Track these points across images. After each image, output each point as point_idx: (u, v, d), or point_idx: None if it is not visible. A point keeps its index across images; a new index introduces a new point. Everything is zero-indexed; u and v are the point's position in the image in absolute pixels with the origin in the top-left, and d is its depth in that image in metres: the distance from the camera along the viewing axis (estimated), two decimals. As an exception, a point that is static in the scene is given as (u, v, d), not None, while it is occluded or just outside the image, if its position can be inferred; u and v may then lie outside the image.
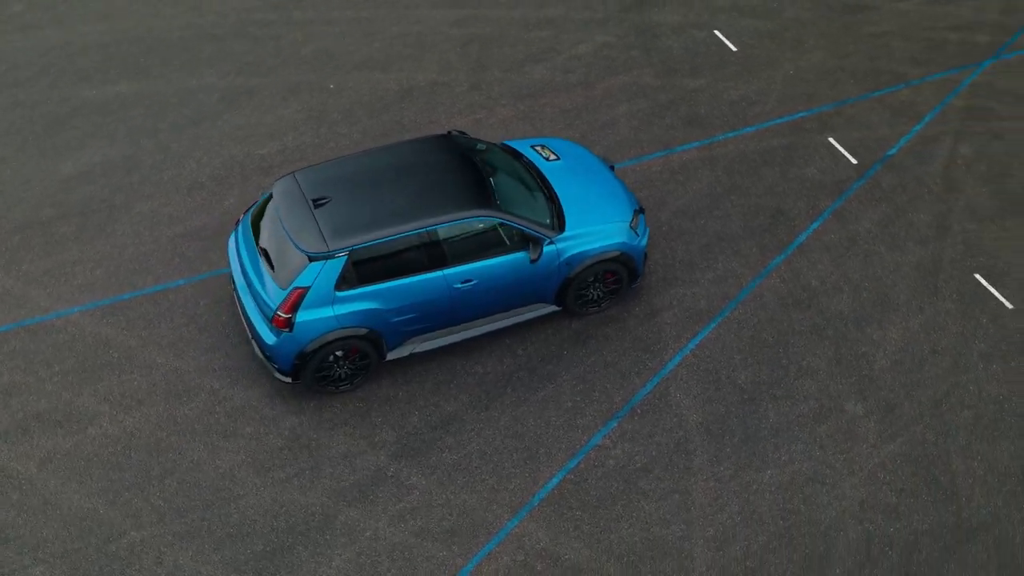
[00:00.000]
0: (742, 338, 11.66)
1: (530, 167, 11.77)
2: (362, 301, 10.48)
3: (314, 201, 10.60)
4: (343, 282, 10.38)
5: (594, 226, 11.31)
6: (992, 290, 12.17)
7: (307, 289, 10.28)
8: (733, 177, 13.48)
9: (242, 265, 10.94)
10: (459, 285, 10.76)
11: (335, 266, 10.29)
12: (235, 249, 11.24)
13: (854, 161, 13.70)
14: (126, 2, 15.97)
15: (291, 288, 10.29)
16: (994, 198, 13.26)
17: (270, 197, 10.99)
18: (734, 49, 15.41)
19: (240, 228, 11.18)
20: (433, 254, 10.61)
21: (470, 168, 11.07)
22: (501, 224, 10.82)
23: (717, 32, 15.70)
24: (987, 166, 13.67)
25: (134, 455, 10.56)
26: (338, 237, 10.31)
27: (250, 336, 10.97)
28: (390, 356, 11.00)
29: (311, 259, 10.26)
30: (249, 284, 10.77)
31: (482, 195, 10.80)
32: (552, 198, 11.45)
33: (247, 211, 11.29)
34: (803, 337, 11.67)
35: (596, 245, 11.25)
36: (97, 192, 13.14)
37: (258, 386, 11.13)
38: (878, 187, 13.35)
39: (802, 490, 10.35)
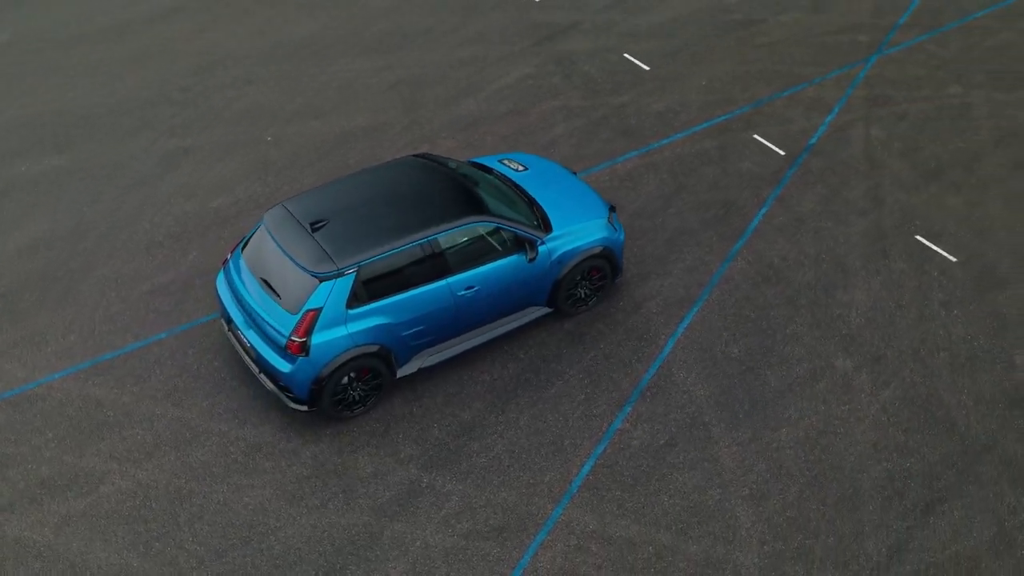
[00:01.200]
0: (725, 316, 12.19)
1: (503, 178, 12.12)
2: (373, 317, 10.50)
3: (311, 225, 10.62)
4: (354, 299, 10.40)
5: (576, 225, 11.71)
6: (934, 247, 13.13)
7: (319, 310, 10.25)
8: (677, 178, 14.15)
9: (240, 301, 10.81)
10: (462, 292, 10.92)
11: (345, 284, 10.31)
12: (227, 287, 11.10)
13: (782, 152, 14.60)
14: (40, 80, 15.67)
15: (303, 311, 10.23)
16: (913, 170, 14.36)
17: (260, 229, 10.93)
18: (647, 68, 16.26)
19: (231, 265, 11.06)
20: (436, 264, 10.76)
21: (453, 181, 11.33)
22: (496, 229, 11.07)
23: (627, 55, 16.55)
24: (900, 143, 14.80)
25: (155, 505, 10.17)
26: (345, 255, 10.36)
27: (257, 372, 10.80)
28: (400, 373, 11.01)
29: (321, 279, 10.25)
30: (252, 318, 10.64)
31: (473, 203, 11.06)
32: (532, 203, 11.80)
33: (236, 248, 11.18)
34: (780, 308, 12.29)
35: (581, 242, 11.63)
36: (51, 261, 12.73)
37: (268, 423, 10.93)
38: (810, 172, 14.26)
39: (818, 442, 10.83)
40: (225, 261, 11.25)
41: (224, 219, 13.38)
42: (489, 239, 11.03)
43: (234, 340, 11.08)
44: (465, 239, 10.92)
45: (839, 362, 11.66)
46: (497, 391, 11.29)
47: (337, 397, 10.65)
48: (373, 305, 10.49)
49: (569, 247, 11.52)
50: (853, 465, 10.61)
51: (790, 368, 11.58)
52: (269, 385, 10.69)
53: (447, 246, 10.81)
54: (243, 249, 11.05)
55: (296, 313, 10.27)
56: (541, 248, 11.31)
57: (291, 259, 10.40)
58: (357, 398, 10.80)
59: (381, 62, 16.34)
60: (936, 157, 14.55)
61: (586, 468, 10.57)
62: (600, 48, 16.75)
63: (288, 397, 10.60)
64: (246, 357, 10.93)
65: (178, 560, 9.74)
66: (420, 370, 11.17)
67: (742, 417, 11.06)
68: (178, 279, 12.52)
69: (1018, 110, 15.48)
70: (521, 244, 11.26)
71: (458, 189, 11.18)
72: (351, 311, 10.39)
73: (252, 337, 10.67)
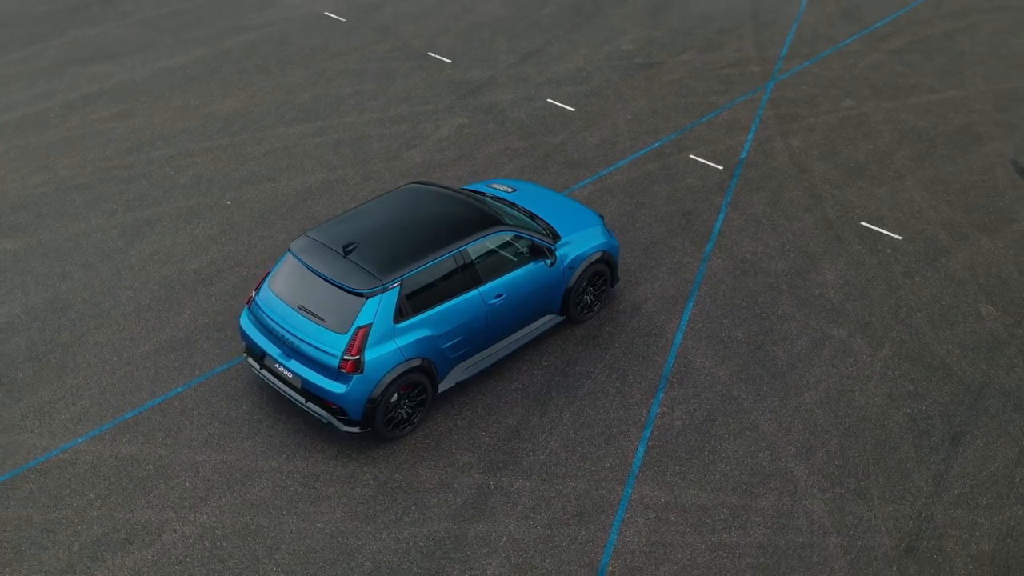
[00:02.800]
0: (720, 306, 12.93)
1: (498, 198, 12.58)
2: (418, 330, 10.66)
3: (344, 248, 10.75)
4: (399, 314, 10.54)
5: (577, 233, 12.27)
6: (880, 229, 14.37)
7: (369, 326, 10.34)
8: (634, 197, 14.97)
9: (273, 334, 10.75)
10: (492, 301, 11.23)
11: (391, 298, 10.46)
12: (255, 325, 11.02)
13: (720, 167, 15.69)
14: (-26, 168, 15.12)
15: (353, 329, 10.29)
16: (837, 170, 15.70)
17: (287, 261, 10.96)
18: (572, 110, 17.19)
19: (258, 301, 10.99)
20: (467, 275, 11.05)
21: (463, 199, 11.71)
22: (515, 238, 11.48)
23: (550, 100, 17.45)
24: (817, 150, 16.17)
25: (226, 543, 9.85)
26: (387, 271, 10.52)
27: (304, 402, 10.70)
28: (441, 388, 11.14)
29: (367, 296, 10.36)
30: (292, 348, 10.59)
31: (491, 216, 11.46)
32: (533, 216, 12.31)
33: (260, 285, 11.14)
34: (765, 294, 13.14)
35: (586, 248, 12.19)
36: (35, 337, 12.24)
37: (317, 453, 10.80)
38: (750, 181, 15.38)
39: (840, 400, 11.59)
40: (249, 299, 11.15)
41: (207, 278, 13.20)
42: (508, 249, 11.42)
43: (270, 376, 10.94)
44: (488, 250, 11.27)
45: (834, 331, 12.53)
46: (533, 396, 11.54)
47: (388, 415, 10.65)
48: (417, 318, 10.64)
49: (576, 252, 12.04)
50: (877, 415, 11.39)
51: (793, 342, 12.36)
52: (318, 412, 10.60)
53: (475, 257, 11.13)
54: (269, 284, 11.00)
55: (346, 332, 10.30)
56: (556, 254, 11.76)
57: (332, 281, 10.47)
58: (405, 416, 10.83)
59: (316, 126, 16.60)
60: (853, 158, 15.96)
61: (640, 450, 10.92)
62: (522, 97, 17.58)
63: (341, 420, 10.53)
64: (287, 390, 10.80)
65: (269, 591, 9.44)
66: (457, 384, 11.29)
67: (766, 388, 11.70)
68: (178, 337, 12.25)
69: (907, 115, 17.20)
70: (536, 253, 11.68)
71: (471, 205, 11.55)
72: (398, 325, 10.50)
73: (295, 367, 10.59)
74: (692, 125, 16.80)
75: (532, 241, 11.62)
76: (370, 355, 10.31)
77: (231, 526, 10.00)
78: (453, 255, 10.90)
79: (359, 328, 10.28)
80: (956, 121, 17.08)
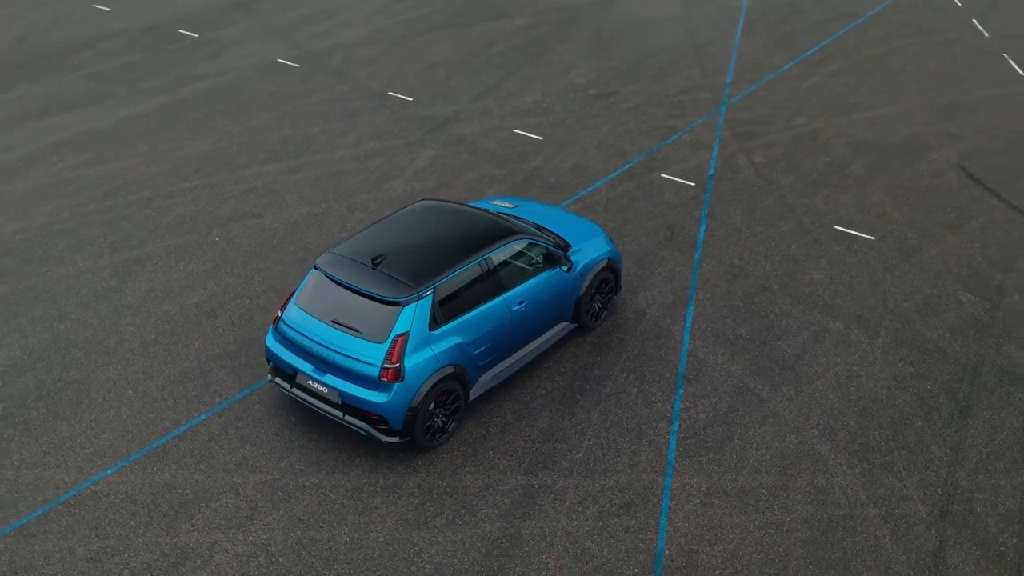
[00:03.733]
0: (719, 308, 13.38)
1: (502, 213, 12.86)
2: (451, 336, 10.81)
3: (372, 261, 10.88)
4: (433, 321, 10.68)
5: (584, 242, 12.62)
6: (853, 232, 15.08)
7: (407, 334, 10.45)
8: (616, 215, 15.41)
9: (306, 351, 10.77)
10: (515, 307, 11.46)
11: (425, 306, 10.60)
12: (283, 344, 11.01)
13: (692, 184, 16.28)
14: (-50, 217, 14.76)
15: (392, 337, 10.39)
16: (802, 181, 16.45)
17: (314, 277, 11.02)
18: (540, 138, 17.65)
19: (286, 320, 11.00)
20: (492, 282, 11.27)
21: (476, 212, 11.97)
22: (531, 246, 11.76)
23: (517, 131, 17.89)
24: (780, 164, 16.92)
25: (282, 559, 9.76)
26: (419, 279, 10.67)
27: (342, 416, 10.71)
28: (471, 396, 11.27)
29: (403, 304, 10.49)
30: (327, 363, 10.62)
31: (508, 225, 11.73)
32: (541, 228, 12.62)
33: (285, 304, 11.16)
34: (760, 295, 13.65)
35: (593, 256, 12.54)
36: (43, 376, 11.99)
37: (357, 467, 10.80)
38: (723, 194, 15.99)
39: (849, 385, 12.09)
40: (275, 319, 11.15)
41: (210, 311, 13.12)
42: (524, 259, 11.67)
43: (302, 394, 10.92)
44: (509, 258, 11.51)
45: (831, 324, 13.07)
46: (558, 401, 11.74)
47: (426, 424, 10.73)
48: (450, 325, 10.79)
49: (585, 260, 12.36)
50: (886, 396, 11.91)
51: (795, 337, 12.85)
52: (356, 424, 10.61)
53: (498, 264, 11.35)
54: (296, 301, 11.03)
55: (384, 342, 10.39)
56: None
57: (366, 292, 10.56)
58: (440, 425, 10.92)
59: (291, 164, 16.69)
60: (814, 170, 16.73)
61: (672, 443, 11.19)
62: (490, 129, 17.97)
63: (381, 431, 10.56)
64: (323, 405, 10.79)
65: (334, 600, 9.36)
66: (486, 392, 11.43)
67: (778, 379, 12.13)
68: (191, 368, 12.13)
69: (855, 129, 18.12)
70: (550, 261, 11.96)
71: (486, 217, 11.81)
72: (433, 332, 10.63)
73: (332, 381, 10.61)
74: (657, 147, 17.38)
75: (547, 249, 11.89)
76: (410, 362, 10.41)
77: (283, 542, 9.90)
78: (478, 263, 11.10)
79: (398, 336, 10.37)
80: (902, 133, 18.05)
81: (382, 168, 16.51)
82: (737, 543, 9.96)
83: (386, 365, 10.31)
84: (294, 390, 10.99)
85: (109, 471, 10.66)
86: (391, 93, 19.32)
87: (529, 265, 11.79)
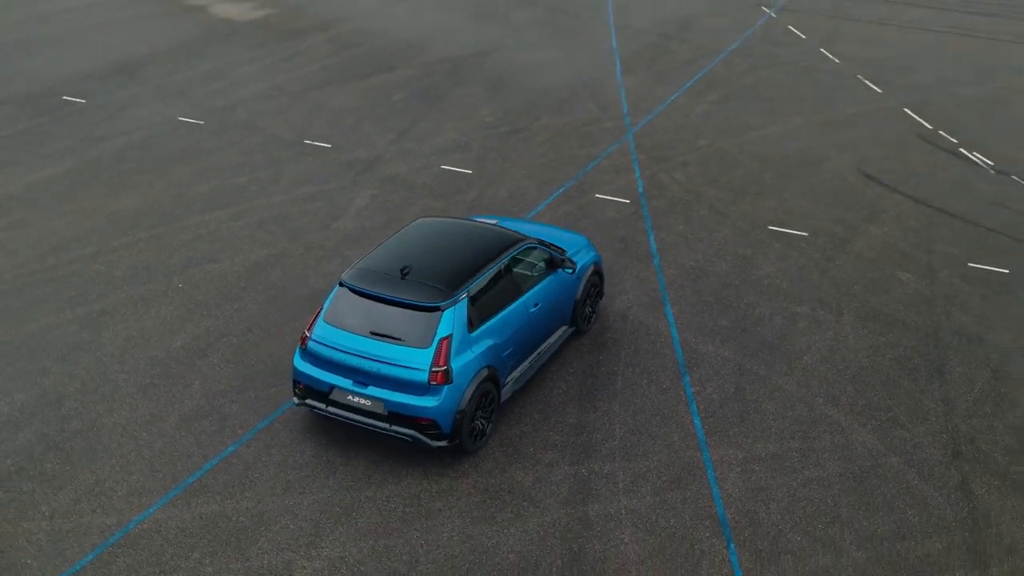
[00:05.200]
0: (693, 304, 14.12)
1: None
2: (487, 338, 11.05)
3: (400, 271, 11.04)
4: (470, 323, 10.91)
5: (573, 248, 13.16)
6: (787, 230, 16.23)
7: (450, 336, 10.63)
8: (568, 233, 15.99)
9: (344, 366, 10.77)
10: (532, 309, 11.83)
11: (462, 308, 10.82)
12: (314, 363, 10.96)
13: (627, 201, 17.12)
14: None
15: (437, 341, 10.55)
16: (727, 192, 17.57)
17: (342, 294, 11.06)
18: (470, 172, 18.14)
19: (317, 339, 10.94)
20: (512, 285, 11.61)
21: (477, 224, 12.32)
22: (536, 251, 12.19)
23: (445, 167, 18.32)
24: (700, 179, 18.01)
25: (365, 568, 9.66)
26: (452, 284, 10.90)
27: (388, 427, 10.72)
28: (503, 397, 11.51)
29: (443, 308, 10.68)
30: (369, 375, 10.65)
31: (514, 233, 12.13)
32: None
33: (313, 323, 11.12)
34: (725, 290, 14.50)
35: (585, 260, 13.08)
36: (44, 429, 11.44)
37: (405, 476, 10.81)
38: (659, 208, 16.89)
39: (833, 357, 13.00)
40: (303, 340, 11.08)
41: (199, 351, 12.83)
42: (528, 265, 12.05)
43: (340, 410, 10.86)
44: (520, 262, 11.91)
45: (798, 309, 14.02)
46: (578, 397, 12.11)
47: (471, 426, 10.89)
48: (484, 327, 11.03)
49: (581, 263, 12.88)
50: (869, 364, 12.87)
51: (771, 322, 13.71)
52: (403, 432, 10.62)
53: (515, 269, 11.72)
54: (326, 319, 11.01)
55: (429, 346, 10.52)
56: (567, 267, 12.53)
57: (403, 301, 10.68)
58: (480, 427, 11.09)
59: (230, 212, 16.51)
60: (733, 182, 17.89)
61: (697, 422, 11.74)
62: (418, 167, 18.31)
63: (430, 435, 10.62)
64: (364, 419, 10.77)
65: (431, 597, 9.33)
66: (511, 396, 11.67)
67: (771, 359, 12.92)
68: (201, 405, 11.83)
69: (753, 147, 19.49)
70: (552, 265, 12.41)
71: (489, 228, 12.16)
72: (471, 335, 10.85)
73: (375, 392, 10.62)
74: (582, 173, 18.15)
75: (550, 254, 12.32)
76: (456, 363, 10.56)
77: (359, 553, 9.79)
78: (499, 267, 11.42)
79: (442, 339, 10.52)
80: (795, 147, 19.52)
81: (324, 210, 16.54)
82: (788, 500, 10.52)
83: (435, 368, 10.42)
84: (330, 408, 10.90)
85: (152, 509, 10.25)
86: (307, 141, 19.37)
87: (534, 270, 12.17)
